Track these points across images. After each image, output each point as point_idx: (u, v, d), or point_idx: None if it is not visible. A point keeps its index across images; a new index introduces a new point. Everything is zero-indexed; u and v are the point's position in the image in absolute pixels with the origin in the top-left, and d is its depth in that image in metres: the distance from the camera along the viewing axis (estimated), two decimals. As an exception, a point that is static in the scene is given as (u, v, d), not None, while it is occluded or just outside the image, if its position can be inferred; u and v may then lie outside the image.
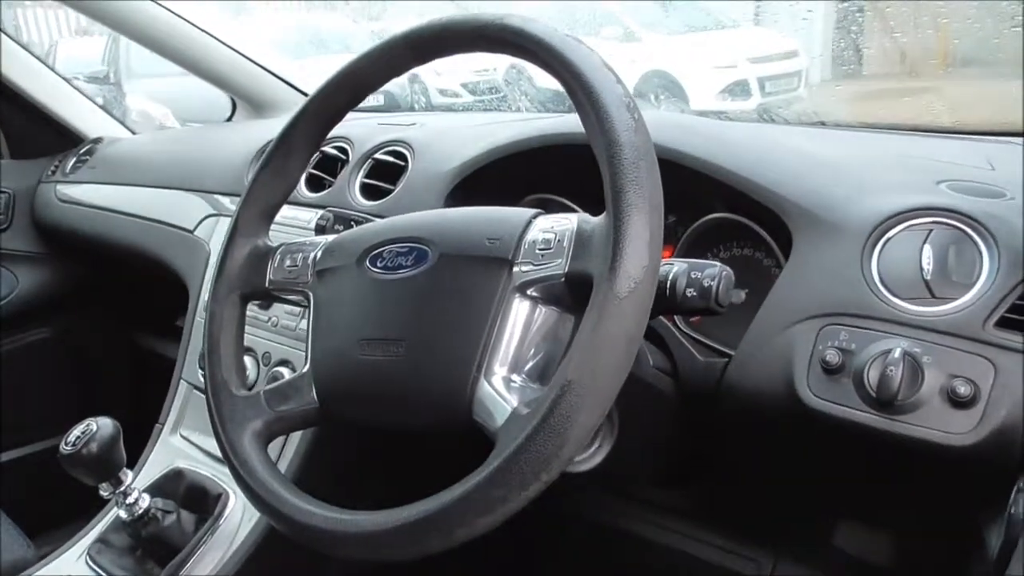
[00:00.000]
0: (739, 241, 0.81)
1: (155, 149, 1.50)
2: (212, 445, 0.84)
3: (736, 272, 0.59)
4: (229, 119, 1.73)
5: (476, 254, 0.58)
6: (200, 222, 1.15)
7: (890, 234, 0.65)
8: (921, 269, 0.62)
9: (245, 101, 1.64)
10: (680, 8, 8.12)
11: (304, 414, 0.63)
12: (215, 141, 1.43)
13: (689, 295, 0.56)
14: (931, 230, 0.63)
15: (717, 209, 0.79)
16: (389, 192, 0.97)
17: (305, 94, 1.60)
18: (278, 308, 0.96)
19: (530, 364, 0.56)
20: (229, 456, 0.62)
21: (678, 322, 0.79)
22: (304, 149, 0.70)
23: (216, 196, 1.18)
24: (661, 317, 0.76)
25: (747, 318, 0.70)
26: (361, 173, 1.02)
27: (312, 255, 0.67)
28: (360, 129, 1.07)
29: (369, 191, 1.00)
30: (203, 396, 0.81)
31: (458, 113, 1.26)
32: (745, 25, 10.05)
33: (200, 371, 0.98)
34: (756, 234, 0.78)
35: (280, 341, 0.96)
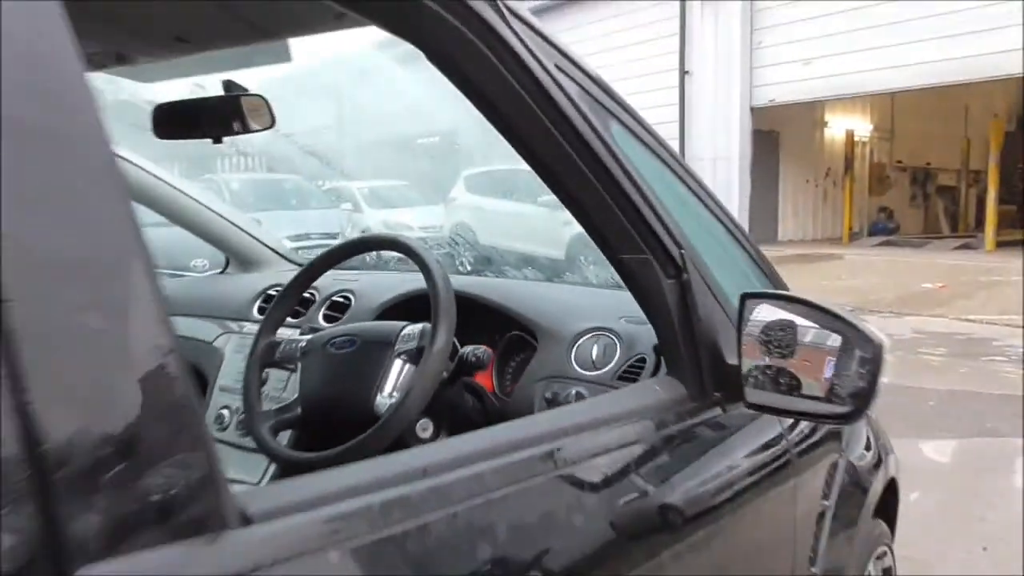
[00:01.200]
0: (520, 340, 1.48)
1: (180, 291, 2.15)
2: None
3: (513, 354, 1.26)
4: (224, 271, 2.40)
5: (379, 340, 1.23)
6: (217, 337, 1.79)
7: (580, 340, 1.33)
8: (591, 354, 1.29)
9: (236, 259, 2.32)
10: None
11: (292, 419, 1.26)
12: (222, 286, 2.09)
13: (472, 359, 1.21)
14: (599, 337, 1.31)
15: (512, 328, 1.47)
16: (338, 318, 1.64)
17: (279, 254, 2.31)
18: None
19: (397, 386, 1.20)
20: (260, 440, 1.24)
21: (493, 382, 1.45)
22: (293, 299, 1.39)
23: (226, 321, 1.83)
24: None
25: (519, 380, 1.36)
26: (323, 307, 1.70)
27: (299, 344, 1.32)
28: (323, 280, 1.75)
29: (327, 317, 1.67)
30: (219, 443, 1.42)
31: (389, 272, 1.95)
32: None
33: (215, 427, 1.59)
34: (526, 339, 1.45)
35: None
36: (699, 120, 13.62)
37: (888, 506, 1.73)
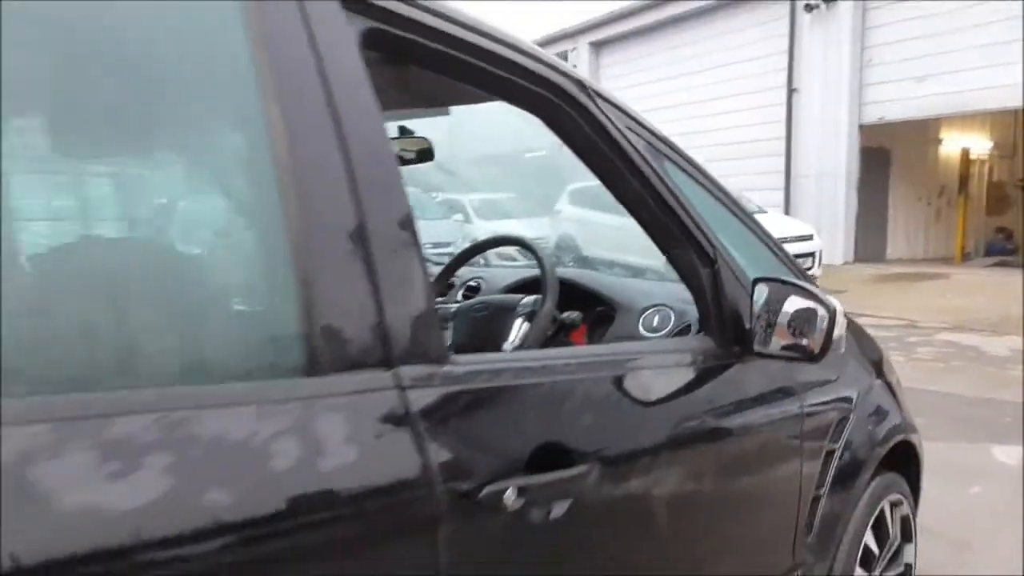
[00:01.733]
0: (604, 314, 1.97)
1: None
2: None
3: (598, 324, 1.77)
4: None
5: (505, 306, 1.76)
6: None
7: (645, 312, 1.81)
8: (653, 322, 1.78)
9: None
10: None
11: None
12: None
13: (568, 321, 1.72)
14: (659, 310, 1.80)
15: (598, 304, 1.96)
16: (473, 296, 2.19)
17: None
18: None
19: (518, 336, 1.70)
20: None
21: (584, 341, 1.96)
22: (444, 281, 1.97)
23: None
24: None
25: (601, 340, 1.86)
26: (462, 289, 2.25)
27: (450, 310, 1.86)
28: (461, 271, 2.30)
29: (465, 295, 2.23)
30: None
31: (504, 268, 2.52)
32: (773, 213, 11.54)
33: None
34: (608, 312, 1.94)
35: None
36: (805, 137, 13.66)
37: (905, 465, 2.11)
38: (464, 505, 0.92)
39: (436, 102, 1.63)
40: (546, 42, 20.23)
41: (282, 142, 0.85)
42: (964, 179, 14.79)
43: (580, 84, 1.33)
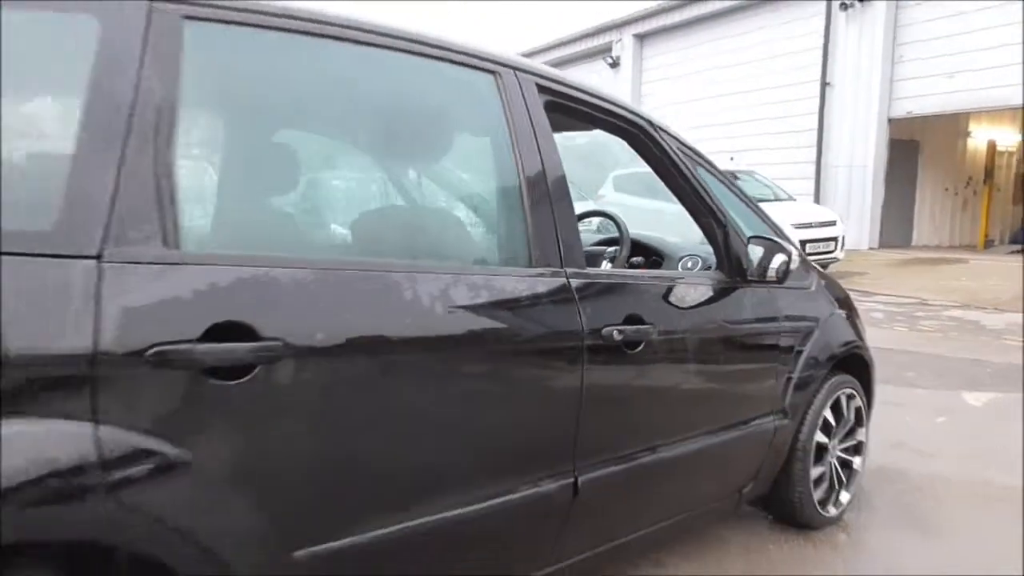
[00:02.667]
0: (656, 260, 2.97)
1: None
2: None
3: (653, 267, 2.79)
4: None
5: (593, 254, 2.78)
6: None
7: (682, 258, 2.82)
8: (688, 264, 2.79)
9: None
10: (750, 183, 10.52)
11: None
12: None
13: (636, 262, 2.74)
14: (692, 257, 2.80)
15: (652, 254, 2.97)
16: None
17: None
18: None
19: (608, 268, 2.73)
20: None
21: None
22: None
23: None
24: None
25: None
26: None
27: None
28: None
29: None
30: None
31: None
32: (802, 200, 12.39)
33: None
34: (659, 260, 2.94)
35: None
36: (837, 129, 14.43)
37: (859, 371, 3.07)
38: (594, 338, 1.94)
39: (575, 129, 2.59)
40: (593, 33, 21.11)
41: (518, 157, 1.88)
42: (989, 170, 15.43)
43: (650, 122, 2.34)
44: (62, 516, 1.13)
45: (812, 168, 14.76)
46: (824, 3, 14.39)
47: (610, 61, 20.42)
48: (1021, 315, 7.99)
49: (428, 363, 1.58)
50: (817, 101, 14.64)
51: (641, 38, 19.71)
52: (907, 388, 5.08)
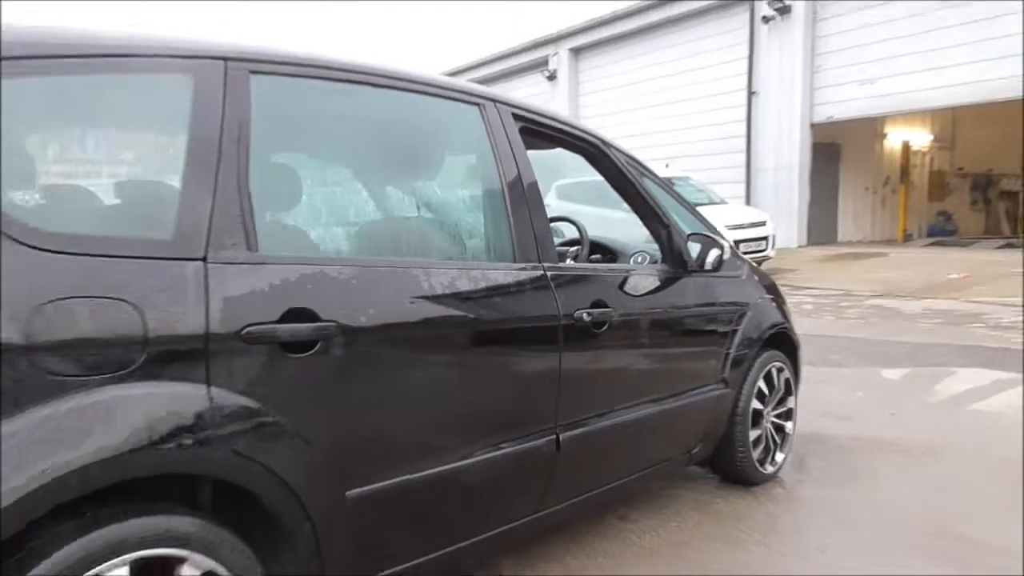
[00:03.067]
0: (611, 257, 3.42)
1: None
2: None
3: (608, 261, 3.22)
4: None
5: (562, 253, 3.21)
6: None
7: (633, 255, 3.26)
8: (637, 260, 3.24)
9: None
10: (684, 188, 11.14)
11: None
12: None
13: (595, 259, 3.17)
14: (640, 254, 3.25)
15: (607, 252, 3.41)
16: None
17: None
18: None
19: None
20: None
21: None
22: None
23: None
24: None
25: None
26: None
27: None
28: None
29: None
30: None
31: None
32: (734, 203, 13.09)
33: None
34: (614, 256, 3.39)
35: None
36: (764, 134, 15.26)
37: (786, 348, 3.56)
38: (568, 319, 2.36)
39: (542, 148, 2.98)
40: (530, 47, 21.69)
41: (500, 172, 2.30)
42: (905, 169, 16.49)
43: (602, 140, 2.79)
44: (187, 455, 1.50)
45: (742, 172, 15.55)
46: (747, 16, 15.23)
47: (547, 74, 21.02)
48: (936, 301, 8.74)
49: (442, 339, 1.98)
50: (744, 109, 15.46)
51: (577, 52, 20.38)
52: (832, 368, 5.65)
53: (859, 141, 15.87)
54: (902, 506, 3.11)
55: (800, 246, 14.63)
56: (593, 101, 19.80)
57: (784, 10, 14.57)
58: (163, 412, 1.46)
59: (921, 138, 17.10)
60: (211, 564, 1.53)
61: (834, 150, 15.60)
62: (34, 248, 1.38)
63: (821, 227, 15.22)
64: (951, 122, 17.00)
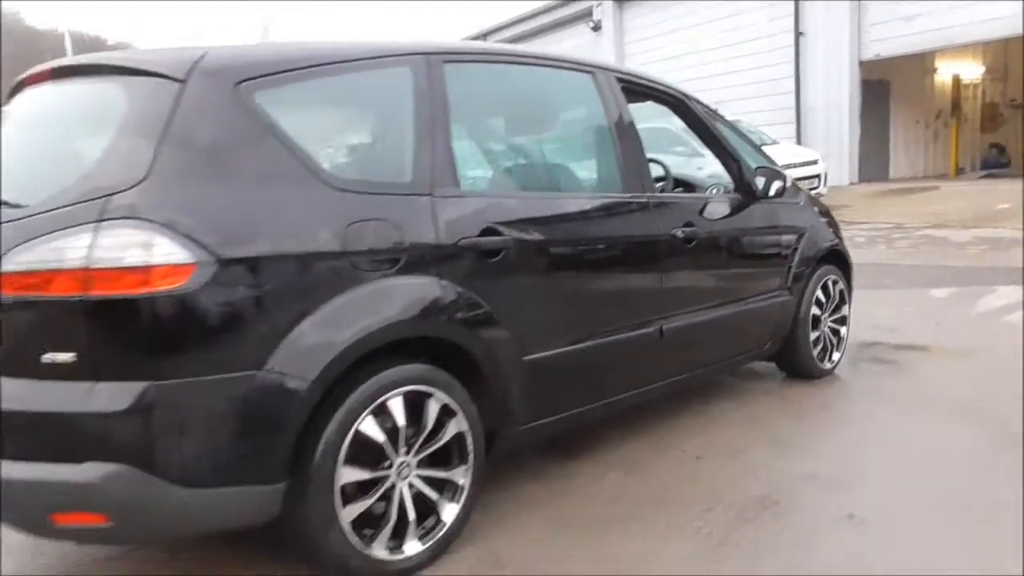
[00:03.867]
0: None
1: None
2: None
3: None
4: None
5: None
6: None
7: (709, 188, 3.91)
8: (715, 191, 3.89)
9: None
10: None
11: None
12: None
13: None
14: (716, 186, 3.90)
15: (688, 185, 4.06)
16: None
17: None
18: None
19: None
20: None
21: None
22: None
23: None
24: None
25: None
26: None
27: None
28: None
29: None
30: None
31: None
32: (785, 143, 13.46)
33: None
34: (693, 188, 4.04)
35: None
36: (813, 75, 15.49)
37: (841, 264, 4.19)
38: (666, 236, 3.03)
39: (639, 102, 3.57)
40: None
41: (610, 123, 2.97)
42: (956, 102, 16.53)
43: (685, 95, 3.43)
44: (431, 323, 2.23)
45: (792, 113, 15.82)
46: (792, -42, 15.35)
47: (592, 25, 21.30)
48: (983, 230, 9.15)
49: (580, 249, 2.71)
50: (792, 50, 15.67)
51: (621, 2, 20.59)
52: (884, 290, 6.23)
53: (909, 77, 15.97)
54: (937, 391, 3.74)
55: (852, 183, 14.94)
56: (638, 50, 20.06)
57: (830, -51, 14.67)
58: (416, 295, 2.20)
59: (972, 71, 17.07)
60: (446, 399, 2.27)
61: (883, 87, 15.75)
62: (340, 190, 2.11)
63: (873, 164, 15.46)
64: (1003, 53, 16.89)
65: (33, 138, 2.27)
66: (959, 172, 16.48)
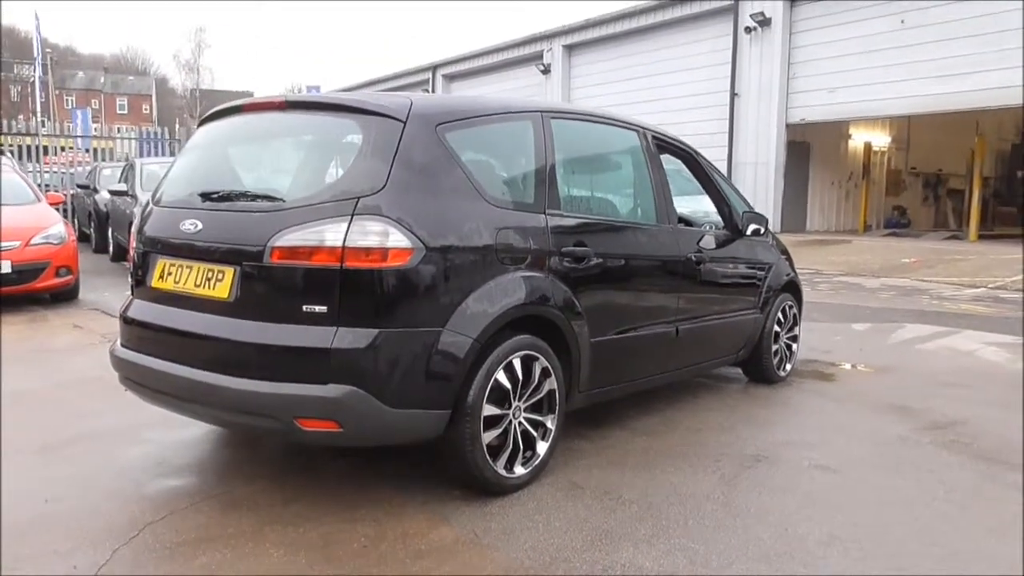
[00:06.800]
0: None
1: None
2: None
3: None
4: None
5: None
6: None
7: (703, 224, 4.90)
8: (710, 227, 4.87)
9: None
10: (677, 179, 12.75)
11: None
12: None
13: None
14: (710, 222, 4.89)
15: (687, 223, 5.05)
16: None
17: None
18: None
19: None
20: None
21: None
22: None
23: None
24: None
25: None
26: None
27: None
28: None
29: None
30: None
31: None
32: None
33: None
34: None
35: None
36: (745, 133, 17.04)
37: (795, 293, 5.23)
38: (684, 258, 3.98)
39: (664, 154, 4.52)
40: (525, 42, 23.18)
41: (650, 169, 3.91)
42: (867, 167, 18.43)
43: (694, 150, 4.40)
44: (541, 306, 3.08)
45: (725, 165, 17.32)
46: (731, 25, 16.95)
47: (542, 68, 22.56)
48: (892, 279, 10.54)
49: (632, 263, 3.62)
50: (727, 108, 17.21)
51: (570, 48, 21.94)
52: (814, 322, 7.36)
53: (826, 140, 17.73)
54: (869, 394, 4.78)
55: (776, 233, 16.42)
56: (584, 95, 21.39)
57: (764, 22, 16.31)
58: (536, 285, 3.05)
59: (880, 139, 19.04)
60: (546, 363, 3.11)
61: (804, 148, 17.44)
62: (493, 205, 2.96)
63: (793, 217, 17.07)
64: (907, 126, 18.96)
65: (275, 150, 3.04)
66: (867, 228, 18.31)
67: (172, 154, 18.37)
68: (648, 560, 2.54)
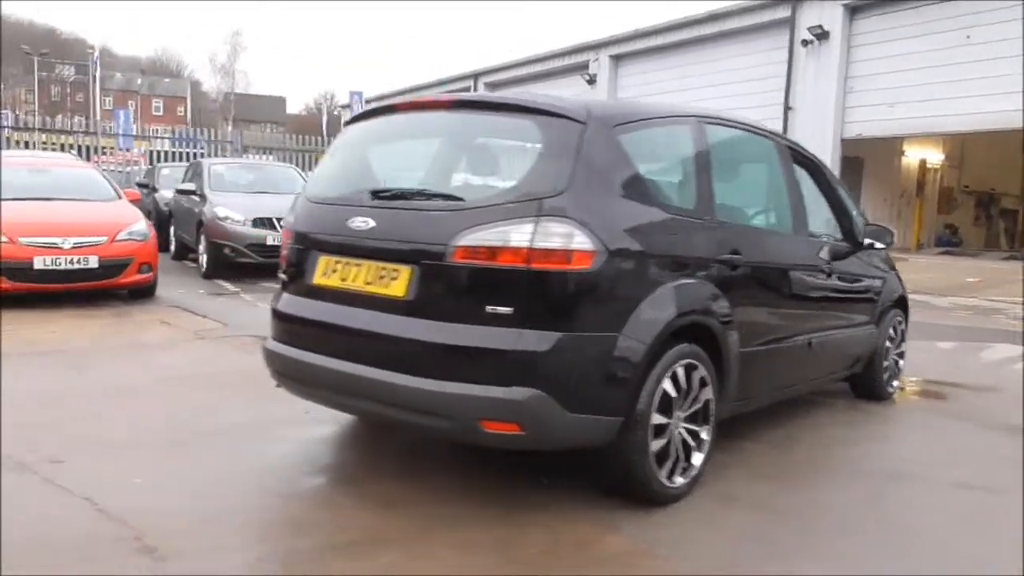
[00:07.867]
0: None
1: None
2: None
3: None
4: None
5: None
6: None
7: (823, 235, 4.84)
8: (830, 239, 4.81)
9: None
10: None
11: None
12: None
13: None
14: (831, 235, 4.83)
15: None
16: None
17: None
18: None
19: None
20: None
21: None
22: None
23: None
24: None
25: None
26: None
27: None
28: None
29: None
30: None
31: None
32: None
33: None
34: None
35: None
36: (798, 146, 16.88)
37: (904, 308, 5.14)
38: (821, 266, 3.93)
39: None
40: (572, 51, 23.19)
41: (786, 180, 3.86)
42: (920, 184, 18.18)
43: (821, 162, 4.34)
44: (704, 314, 3.03)
45: (776, 179, 17.15)
46: (787, 38, 16.83)
47: (587, 78, 22.54)
48: (960, 299, 10.37)
49: (776, 270, 3.57)
50: (781, 122, 17.07)
51: (617, 59, 21.91)
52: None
53: (880, 156, 17.53)
54: (976, 412, 4.69)
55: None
56: (632, 106, 21.30)
57: (823, 35, 16.17)
58: (699, 292, 3.01)
59: (934, 156, 18.80)
60: (704, 373, 3.06)
61: (858, 163, 17.25)
62: (664, 210, 2.93)
63: (845, 232, 16.89)
64: (960, 144, 18.71)
65: (445, 150, 3.03)
66: (919, 247, 18.06)
67: (214, 155, 18.52)
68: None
